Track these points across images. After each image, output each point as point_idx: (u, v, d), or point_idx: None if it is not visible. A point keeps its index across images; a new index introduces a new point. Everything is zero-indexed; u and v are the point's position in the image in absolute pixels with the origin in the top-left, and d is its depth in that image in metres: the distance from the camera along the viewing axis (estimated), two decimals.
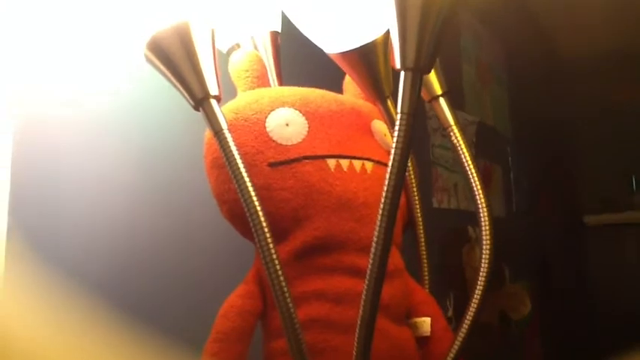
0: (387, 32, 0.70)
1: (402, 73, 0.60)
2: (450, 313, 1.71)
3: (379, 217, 0.58)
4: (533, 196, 2.79)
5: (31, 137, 0.76)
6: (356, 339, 0.59)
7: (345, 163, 0.70)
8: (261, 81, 0.75)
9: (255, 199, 0.59)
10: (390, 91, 0.76)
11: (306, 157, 0.68)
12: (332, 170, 0.69)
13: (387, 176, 0.58)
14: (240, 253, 0.75)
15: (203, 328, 0.66)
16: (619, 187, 3.33)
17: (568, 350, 2.92)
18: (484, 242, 0.71)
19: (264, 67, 0.76)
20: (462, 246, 1.95)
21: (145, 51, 0.64)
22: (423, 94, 0.76)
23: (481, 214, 0.71)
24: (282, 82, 0.82)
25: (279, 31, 0.83)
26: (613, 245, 3.25)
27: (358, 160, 0.71)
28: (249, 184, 0.59)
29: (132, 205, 0.88)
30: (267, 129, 0.69)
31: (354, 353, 0.59)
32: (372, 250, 0.58)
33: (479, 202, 0.72)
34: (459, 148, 0.74)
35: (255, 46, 0.82)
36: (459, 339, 0.69)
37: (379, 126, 0.77)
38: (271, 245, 0.59)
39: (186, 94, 0.62)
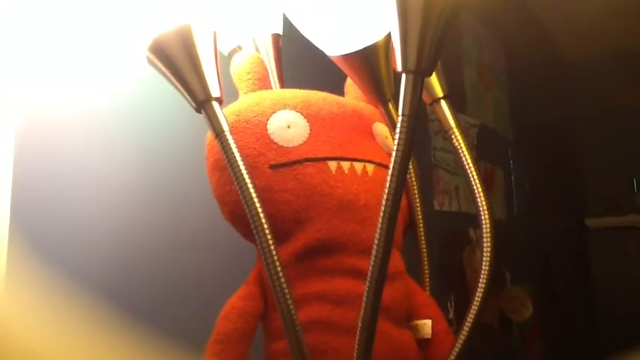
0: (389, 35, 0.70)
1: (404, 76, 0.60)
2: (450, 315, 1.71)
3: (380, 219, 0.58)
4: (535, 198, 2.78)
5: (33, 138, 0.76)
6: (357, 341, 0.59)
7: (346, 165, 0.70)
8: (263, 83, 0.75)
9: (256, 200, 0.59)
10: (392, 93, 0.76)
11: (307, 159, 0.69)
12: (333, 172, 0.69)
13: (388, 178, 0.58)
14: (241, 255, 0.75)
15: (204, 329, 0.66)
16: (621, 189, 3.33)
17: (570, 353, 2.92)
18: (485, 245, 0.71)
19: (265, 69, 0.77)
20: (463, 248, 1.95)
21: (147, 53, 0.64)
22: (425, 97, 0.76)
23: (482, 217, 0.71)
24: (283, 84, 0.82)
25: (281, 33, 0.84)
26: (615, 248, 3.25)
27: (359, 163, 0.71)
28: (250, 185, 0.59)
29: (133, 206, 0.89)
30: (269, 131, 0.69)
31: (355, 355, 0.59)
32: (373, 252, 0.58)
33: (480, 204, 0.72)
34: (460, 151, 0.74)
35: (257, 48, 0.82)
36: (460, 341, 0.69)
37: (380, 128, 0.77)
38: (272, 247, 0.59)
39: (188, 97, 0.63)
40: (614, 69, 3.30)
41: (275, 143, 0.69)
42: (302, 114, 0.71)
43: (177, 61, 0.62)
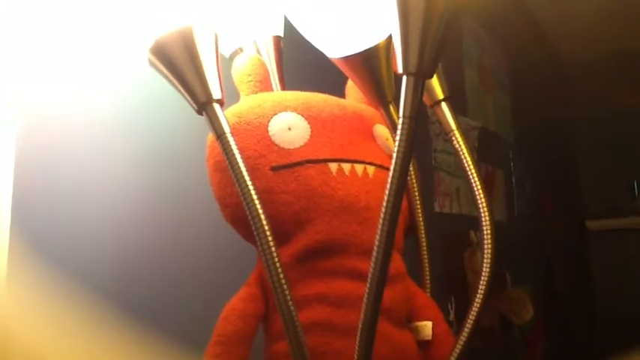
0: (390, 37, 0.71)
1: (404, 78, 0.60)
2: (451, 317, 1.71)
3: (381, 221, 0.58)
4: (536, 200, 2.78)
5: (34, 139, 0.76)
6: (357, 342, 0.59)
7: (347, 167, 0.70)
8: (264, 85, 0.75)
9: (257, 202, 0.59)
10: (392, 95, 0.76)
11: (308, 161, 0.69)
12: (334, 174, 0.69)
13: (389, 180, 0.58)
14: (241, 256, 0.75)
15: (204, 330, 0.66)
16: (621, 192, 3.33)
17: (571, 354, 2.91)
18: (485, 246, 0.71)
19: (266, 71, 0.77)
20: (464, 250, 1.95)
21: (148, 55, 0.64)
22: (425, 99, 0.77)
23: (483, 219, 0.71)
24: (284, 86, 0.82)
25: (282, 35, 0.84)
26: (615, 250, 3.25)
27: (360, 164, 0.71)
28: (251, 187, 0.60)
29: (134, 207, 0.89)
30: (270, 133, 0.69)
31: (356, 357, 0.60)
32: (374, 253, 0.58)
33: (480, 206, 0.72)
34: (461, 153, 0.74)
35: (258, 50, 0.82)
36: (461, 343, 0.69)
37: (381, 130, 0.77)
38: (273, 248, 0.59)
39: (189, 98, 0.63)
40: (616, 72, 3.31)
41: (276, 145, 0.69)
42: (303, 116, 0.71)
43: (179, 63, 0.62)
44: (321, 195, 0.68)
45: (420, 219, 0.79)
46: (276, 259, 0.59)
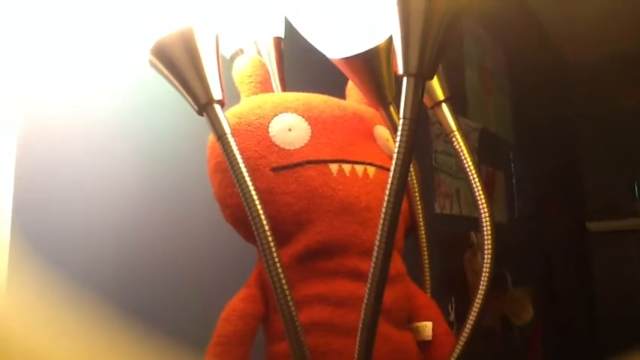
0: (390, 38, 0.71)
1: (405, 79, 0.60)
2: (451, 317, 1.71)
3: (381, 221, 0.58)
4: (536, 202, 2.78)
5: (35, 140, 0.77)
6: (357, 343, 0.59)
7: (347, 167, 0.70)
8: (265, 86, 0.75)
9: (257, 203, 0.59)
10: (393, 96, 0.76)
11: (308, 162, 0.69)
12: (334, 175, 0.69)
13: (389, 180, 0.58)
14: (242, 257, 0.75)
15: (205, 331, 0.67)
16: (621, 193, 3.33)
17: (571, 355, 2.91)
18: (486, 247, 0.71)
19: (267, 72, 0.77)
20: (464, 251, 1.95)
21: (149, 56, 0.65)
22: (426, 100, 0.77)
23: (483, 220, 0.72)
24: (285, 87, 0.82)
25: (283, 36, 0.84)
26: (615, 251, 3.25)
27: (360, 165, 0.71)
28: (251, 188, 0.60)
29: (134, 207, 0.89)
30: (270, 134, 0.69)
31: (356, 357, 0.60)
32: (374, 253, 0.58)
33: (481, 207, 0.72)
34: (462, 154, 0.74)
35: (259, 51, 0.82)
36: (461, 343, 0.69)
37: (382, 131, 0.77)
38: (273, 249, 0.59)
39: (190, 99, 0.63)
40: (617, 74, 3.31)
41: (276, 146, 0.69)
42: (303, 117, 0.71)
43: (180, 64, 0.62)
44: (321, 196, 0.68)
45: (421, 220, 0.79)
46: (277, 260, 0.59)
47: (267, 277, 0.60)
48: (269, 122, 0.70)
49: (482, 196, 0.72)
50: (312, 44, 0.75)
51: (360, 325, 0.59)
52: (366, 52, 0.72)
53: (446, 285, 1.77)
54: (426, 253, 0.80)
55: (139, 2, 0.66)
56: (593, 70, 3.36)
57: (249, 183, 0.60)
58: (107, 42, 0.87)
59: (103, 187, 0.84)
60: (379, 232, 0.58)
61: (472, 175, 0.73)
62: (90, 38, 0.85)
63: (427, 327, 0.73)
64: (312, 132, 0.71)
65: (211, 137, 0.71)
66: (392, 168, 0.58)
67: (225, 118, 0.62)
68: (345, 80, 0.82)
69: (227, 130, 0.61)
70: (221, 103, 0.63)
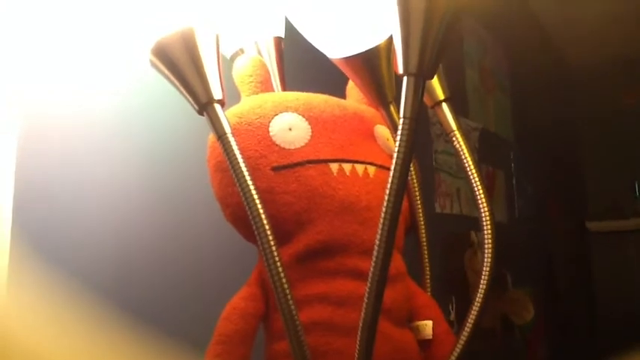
0: (390, 37, 0.71)
1: (405, 79, 0.60)
2: (452, 317, 1.71)
3: (381, 221, 0.58)
4: (536, 201, 2.78)
5: (35, 139, 0.77)
6: (358, 342, 0.59)
7: (347, 167, 0.70)
8: (265, 86, 0.75)
9: (258, 202, 0.59)
10: (393, 96, 0.76)
11: (309, 162, 0.69)
12: (334, 174, 0.69)
13: (390, 180, 0.58)
14: (242, 256, 0.75)
15: (205, 330, 0.67)
16: (622, 193, 3.33)
17: (571, 355, 2.91)
18: (486, 247, 0.71)
19: (267, 72, 0.77)
20: (464, 251, 1.95)
21: (150, 56, 0.65)
22: (426, 100, 0.77)
23: (483, 219, 0.72)
24: (285, 87, 0.82)
25: (283, 36, 0.84)
26: (616, 251, 3.25)
27: (361, 165, 0.71)
28: (252, 187, 0.60)
29: (135, 207, 0.89)
30: (271, 133, 0.69)
31: (356, 356, 0.60)
32: (375, 253, 0.58)
33: (481, 207, 0.72)
34: (462, 154, 0.74)
35: (259, 51, 0.83)
36: (461, 342, 0.69)
37: (382, 131, 0.77)
38: (274, 248, 0.59)
39: (190, 99, 0.63)
40: (617, 73, 3.31)
41: (277, 145, 0.69)
42: (304, 116, 0.71)
43: (180, 64, 0.63)
44: (321, 195, 0.68)
45: (421, 219, 0.79)
46: (277, 259, 0.59)
47: (267, 277, 0.60)
48: (269, 122, 0.70)
49: (482, 196, 0.72)
50: (312, 44, 0.75)
51: (361, 325, 0.59)
52: (366, 51, 0.72)
53: (446, 284, 1.77)
54: (426, 252, 0.80)
55: (139, 2, 0.66)
56: (596, 72, 3.36)
57: (250, 182, 0.60)
58: (107, 42, 0.87)
59: (103, 187, 0.84)
60: (379, 232, 0.58)
61: (472, 174, 0.73)
62: (90, 38, 0.85)
63: (427, 326, 0.73)
64: (312, 131, 0.71)
65: (211, 137, 0.71)
66: (392, 167, 0.58)
67: (226, 117, 0.62)
68: (346, 80, 0.82)
69: (227, 129, 0.61)
70: (221, 102, 0.63)
